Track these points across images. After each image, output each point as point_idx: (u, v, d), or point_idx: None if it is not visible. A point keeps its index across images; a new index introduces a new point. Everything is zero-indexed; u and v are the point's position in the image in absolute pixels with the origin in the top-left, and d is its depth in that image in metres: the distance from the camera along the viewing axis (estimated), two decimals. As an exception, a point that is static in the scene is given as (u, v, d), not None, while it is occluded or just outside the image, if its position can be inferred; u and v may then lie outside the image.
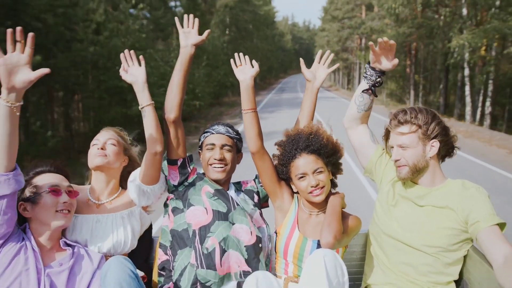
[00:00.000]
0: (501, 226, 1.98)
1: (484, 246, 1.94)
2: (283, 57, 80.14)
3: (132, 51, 2.28)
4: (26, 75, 1.77)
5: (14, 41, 1.77)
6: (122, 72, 2.25)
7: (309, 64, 2.64)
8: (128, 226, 2.27)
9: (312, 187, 2.21)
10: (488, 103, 16.41)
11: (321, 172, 2.23)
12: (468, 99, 17.45)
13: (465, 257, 2.17)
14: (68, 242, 2.13)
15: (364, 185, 8.18)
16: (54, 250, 2.06)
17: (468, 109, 17.57)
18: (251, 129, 2.28)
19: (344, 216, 2.27)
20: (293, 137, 2.32)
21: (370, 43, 2.27)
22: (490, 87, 16.24)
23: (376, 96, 2.42)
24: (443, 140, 2.19)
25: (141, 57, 2.28)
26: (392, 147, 2.24)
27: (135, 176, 2.29)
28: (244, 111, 2.28)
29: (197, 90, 20.86)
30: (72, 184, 2.22)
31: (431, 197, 2.18)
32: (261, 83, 51.21)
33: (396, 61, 2.32)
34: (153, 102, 2.21)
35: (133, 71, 2.25)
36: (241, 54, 2.39)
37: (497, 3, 15.38)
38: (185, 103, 12.31)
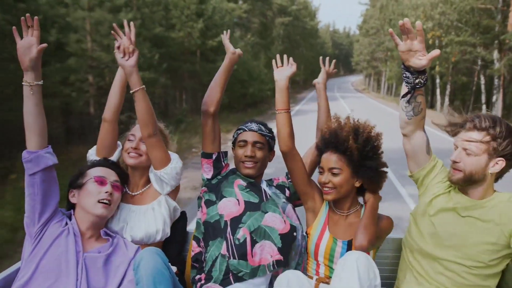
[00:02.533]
0: None
1: None
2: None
3: (124, 24, 2.16)
4: (32, 53, 1.93)
5: (27, 27, 1.95)
6: (117, 54, 2.16)
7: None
8: (159, 216, 2.30)
9: (323, 183, 2.23)
10: (446, 99, 26.93)
11: (336, 173, 2.20)
12: (438, 97, 27.88)
13: (504, 269, 2.10)
14: (108, 232, 2.17)
15: (401, 194, 8.17)
16: (94, 238, 2.12)
17: (438, 103, 28.02)
18: (283, 129, 2.26)
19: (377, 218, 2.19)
20: (326, 132, 2.32)
21: (390, 30, 1.94)
22: (449, 89, 26.79)
23: (422, 95, 2.10)
24: (510, 162, 2.04)
25: (132, 25, 2.17)
26: (456, 147, 2.09)
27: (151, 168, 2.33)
28: (278, 111, 2.26)
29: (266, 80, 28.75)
30: None
31: (476, 210, 2.08)
32: (304, 85, 61.67)
33: (435, 52, 1.91)
34: (143, 86, 2.15)
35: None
36: (285, 56, 2.38)
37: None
38: (258, 88, 23.50)
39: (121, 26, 2.23)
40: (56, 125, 10.45)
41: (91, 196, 2.10)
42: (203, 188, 2.46)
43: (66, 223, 2.09)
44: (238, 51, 2.48)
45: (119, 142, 2.47)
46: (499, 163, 2.03)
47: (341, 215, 2.29)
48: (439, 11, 20.93)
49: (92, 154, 2.40)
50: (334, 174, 2.20)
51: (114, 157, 2.41)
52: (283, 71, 2.32)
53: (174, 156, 2.34)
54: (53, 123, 9.88)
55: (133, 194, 2.37)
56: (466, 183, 2.07)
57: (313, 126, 2.68)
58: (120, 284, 2.03)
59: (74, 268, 1.96)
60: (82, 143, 10.50)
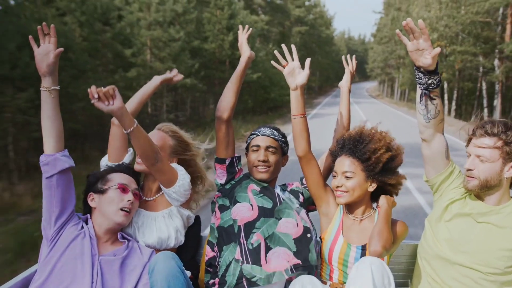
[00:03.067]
0: None
1: None
2: (338, 69, 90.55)
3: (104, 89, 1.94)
4: (50, 59, 2.00)
5: (44, 35, 2.04)
6: (99, 105, 1.96)
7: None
8: (170, 224, 2.32)
9: (336, 187, 2.24)
10: (454, 103, 29.06)
11: (349, 177, 2.21)
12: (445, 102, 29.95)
13: None
14: (124, 235, 2.20)
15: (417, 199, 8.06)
16: (110, 242, 2.14)
17: (446, 107, 30.07)
18: (299, 134, 2.26)
19: (391, 223, 2.19)
20: (346, 137, 2.33)
21: (397, 31, 1.96)
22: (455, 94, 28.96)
23: (438, 97, 2.09)
24: None
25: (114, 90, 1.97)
26: (469, 155, 2.09)
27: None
28: (293, 116, 2.25)
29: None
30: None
31: (493, 215, 2.08)
32: (320, 91, 63.84)
33: (436, 50, 1.91)
34: (136, 122, 2.05)
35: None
36: (293, 46, 2.27)
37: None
38: (278, 93, 26.08)
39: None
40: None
41: (113, 204, 2.12)
42: (217, 193, 2.46)
43: (82, 227, 2.10)
44: (252, 54, 2.46)
45: (130, 148, 2.50)
46: None
47: (355, 220, 2.28)
48: (443, 23, 23.15)
49: (104, 160, 2.45)
50: (347, 178, 2.21)
51: (125, 160, 2.45)
52: (295, 73, 2.24)
53: (180, 172, 2.31)
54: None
55: (147, 199, 2.39)
56: (482, 189, 2.05)
57: (329, 129, 2.61)
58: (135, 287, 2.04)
59: (89, 270, 1.97)
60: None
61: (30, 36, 2.07)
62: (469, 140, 2.14)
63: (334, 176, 2.28)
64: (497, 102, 22.89)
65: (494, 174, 2.03)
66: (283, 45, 2.33)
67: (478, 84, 25.50)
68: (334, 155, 2.35)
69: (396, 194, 2.36)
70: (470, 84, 27.05)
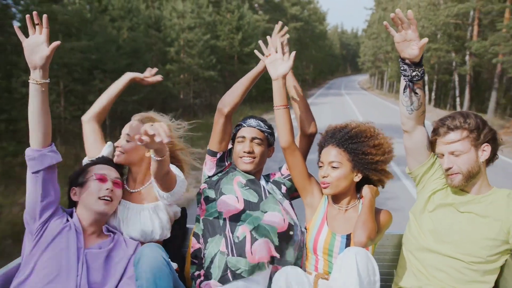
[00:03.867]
0: None
1: None
2: (331, 62, 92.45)
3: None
4: (44, 51, 1.91)
5: (34, 25, 1.94)
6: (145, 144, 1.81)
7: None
8: (155, 218, 2.29)
9: (322, 177, 2.23)
10: (433, 94, 32.88)
11: (336, 167, 2.20)
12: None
13: (502, 265, 2.10)
14: (110, 228, 2.19)
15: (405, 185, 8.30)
16: (96, 235, 2.13)
17: (427, 97, 33.86)
18: (282, 125, 2.24)
19: (375, 212, 2.19)
20: (337, 128, 2.31)
21: (385, 22, 2.05)
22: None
23: (421, 89, 2.14)
24: (493, 145, 2.11)
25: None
26: (442, 155, 2.13)
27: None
28: (276, 107, 2.24)
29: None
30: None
31: (475, 204, 2.11)
32: (313, 83, 67.11)
33: (423, 41, 1.96)
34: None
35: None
36: (270, 39, 2.31)
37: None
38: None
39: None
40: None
41: (92, 194, 2.11)
42: (203, 184, 2.44)
43: (67, 220, 2.09)
44: (287, 66, 2.26)
45: (110, 143, 2.52)
46: (486, 149, 2.08)
47: (340, 209, 2.27)
48: (421, 24, 26.83)
49: (85, 160, 2.44)
50: (334, 168, 2.20)
51: (104, 153, 2.43)
52: (277, 64, 2.24)
53: (179, 179, 2.25)
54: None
55: (131, 191, 2.36)
56: (468, 181, 2.09)
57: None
58: (120, 280, 2.04)
59: (75, 264, 1.96)
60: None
61: (15, 26, 1.95)
62: (434, 142, 2.18)
63: (320, 166, 2.27)
64: (467, 92, 26.69)
65: (473, 163, 2.07)
66: (268, 37, 2.33)
67: (452, 77, 29.31)
68: (320, 145, 2.33)
69: (382, 186, 2.35)
70: (447, 76, 30.82)
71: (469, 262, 2.08)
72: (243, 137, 2.40)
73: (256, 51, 2.38)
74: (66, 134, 11.95)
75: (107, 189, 2.15)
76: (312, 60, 60.41)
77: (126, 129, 2.36)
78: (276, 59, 2.27)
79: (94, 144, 2.46)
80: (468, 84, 26.35)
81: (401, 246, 2.38)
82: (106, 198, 2.13)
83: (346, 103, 31.77)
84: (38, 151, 1.98)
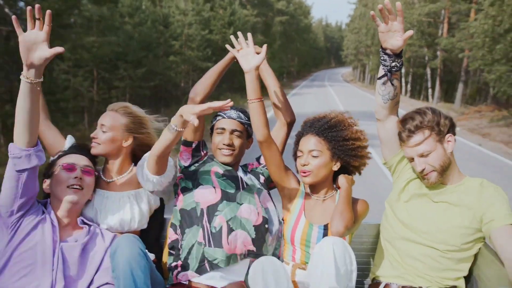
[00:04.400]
0: None
1: (497, 244, 1.91)
2: (315, 55, 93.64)
3: None
4: (43, 52, 1.79)
5: (34, 19, 1.79)
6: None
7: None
8: (135, 206, 2.29)
9: (302, 165, 2.24)
10: (409, 86, 35.57)
11: (315, 156, 2.22)
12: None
13: (476, 254, 2.14)
14: (85, 220, 2.17)
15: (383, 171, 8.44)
16: (71, 227, 2.11)
17: (403, 89, 36.54)
18: (257, 118, 2.20)
19: (352, 202, 2.23)
20: (316, 118, 2.35)
21: (372, 12, 2.06)
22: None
23: (398, 80, 2.19)
24: (454, 132, 2.16)
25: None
26: (412, 159, 2.16)
27: (143, 163, 2.28)
28: (250, 101, 2.20)
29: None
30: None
31: (448, 194, 2.16)
32: (298, 75, 69.31)
33: (408, 33, 2.01)
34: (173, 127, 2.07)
35: None
36: (249, 34, 2.28)
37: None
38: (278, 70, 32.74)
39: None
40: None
41: (60, 183, 2.09)
42: (179, 174, 2.42)
43: (43, 212, 2.08)
44: (260, 58, 2.24)
45: (70, 136, 2.48)
46: (450, 139, 2.14)
47: (318, 199, 2.31)
48: (397, 21, 29.36)
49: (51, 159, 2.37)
50: (314, 157, 2.22)
51: (66, 147, 2.38)
52: (249, 58, 2.23)
53: (169, 167, 2.30)
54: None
55: (108, 180, 2.34)
56: (442, 176, 2.13)
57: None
58: (96, 273, 2.03)
59: (50, 257, 1.94)
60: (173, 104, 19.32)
61: (13, 16, 1.81)
62: (402, 144, 2.21)
63: (299, 156, 2.27)
64: (437, 84, 29.38)
65: (443, 157, 2.11)
66: (239, 33, 2.32)
67: (425, 70, 31.98)
68: (298, 135, 2.35)
69: (359, 173, 2.39)
70: (421, 69, 33.47)
71: (444, 251, 2.09)
72: (223, 128, 2.37)
73: (227, 46, 2.34)
74: (96, 114, 14.21)
75: (76, 177, 2.11)
76: (297, 53, 62.28)
77: (102, 120, 2.34)
78: (248, 53, 2.25)
79: (54, 144, 2.49)
80: (439, 77, 29.01)
81: (378, 236, 2.41)
82: (75, 186, 2.10)
83: (329, 94, 34.05)
84: (25, 150, 1.90)
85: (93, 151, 2.33)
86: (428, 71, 31.10)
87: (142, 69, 15.57)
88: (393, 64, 2.11)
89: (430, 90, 30.83)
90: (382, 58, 2.13)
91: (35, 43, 1.80)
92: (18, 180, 1.95)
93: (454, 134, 2.18)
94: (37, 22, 1.81)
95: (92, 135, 2.34)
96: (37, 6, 1.77)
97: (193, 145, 2.40)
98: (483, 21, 17.58)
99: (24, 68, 1.82)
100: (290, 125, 2.53)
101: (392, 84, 2.18)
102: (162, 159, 2.19)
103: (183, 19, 20.95)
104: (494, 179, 2.16)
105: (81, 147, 2.33)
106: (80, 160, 2.21)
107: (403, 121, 2.19)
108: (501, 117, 18.23)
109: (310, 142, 2.27)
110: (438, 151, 2.12)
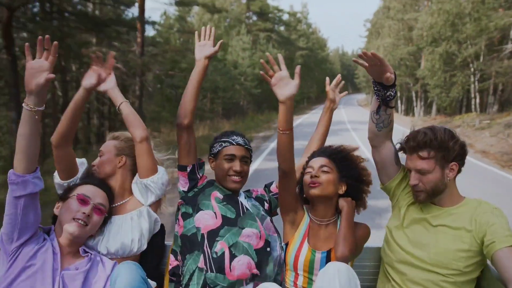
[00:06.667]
0: None
1: (499, 266, 1.86)
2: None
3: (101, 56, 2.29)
4: (40, 80, 1.85)
5: (43, 49, 1.89)
6: (88, 82, 2.22)
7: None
8: (136, 226, 2.29)
9: (311, 178, 2.24)
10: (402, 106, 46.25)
11: (326, 171, 2.25)
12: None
13: (479, 276, 2.12)
14: (86, 249, 2.14)
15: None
16: (72, 255, 2.08)
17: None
18: (286, 149, 2.19)
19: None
20: (329, 146, 2.43)
21: (353, 59, 2.13)
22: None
23: (392, 109, 2.21)
24: (462, 161, 2.12)
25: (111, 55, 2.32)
26: (410, 170, 2.15)
27: (136, 177, 2.35)
28: (282, 131, 2.15)
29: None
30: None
31: (446, 217, 2.13)
32: (316, 100, 78.00)
33: (388, 74, 2.02)
34: (126, 100, 2.31)
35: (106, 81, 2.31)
36: (279, 55, 2.18)
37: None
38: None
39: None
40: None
41: (69, 212, 2.07)
42: (180, 200, 2.42)
43: (44, 239, 2.05)
44: (210, 51, 2.37)
45: (84, 160, 2.52)
46: (454, 168, 2.10)
47: (321, 224, 2.31)
48: (387, 58, 39.52)
49: (56, 177, 2.37)
50: (324, 172, 2.25)
51: (79, 174, 2.40)
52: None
53: (161, 169, 2.37)
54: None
55: (111, 206, 2.32)
56: (432, 198, 2.13)
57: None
58: None
59: (50, 286, 1.92)
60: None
61: (26, 44, 1.89)
62: (403, 151, 2.22)
63: (309, 171, 2.29)
64: (418, 103, 40.17)
65: (438, 182, 2.08)
66: (267, 54, 2.20)
67: (410, 93, 42.91)
68: (309, 158, 2.40)
69: (364, 208, 2.40)
70: (408, 93, 44.35)
71: (446, 275, 2.06)
72: (233, 155, 2.35)
73: (261, 73, 2.16)
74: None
75: (84, 213, 2.07)
76: (316, 81, 70.96)
77: (103, 148, 2.44)
78: (282, 77, 2.11)
79: (67, 171, 2.38)
80: (419, 98, 39.88)
81: (380, 260, 2.39)
82: (80, 221, 2.06)
83: (339, 115, 42.57)
84: (21, 176, 1.90)
85: (96, 175, 2.38)
86: (413, 93, 41.94)
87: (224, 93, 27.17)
88: (387, 93, 2.11)
89: (415, 108, 41.66)
90: (376, 88, 2.13)
91: (38, 71, 1.86)
92: (16, 207, 1.92)
93: (460, 163, 2.12)
94: (45, 52, 1.89)
95: (92, 163, 2.43)
96: (47, 37, 1.88)
97: (188, 169, 2.37)
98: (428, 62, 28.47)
99: (27, 95, 1.88)
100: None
101: (386, 112, 2.18)
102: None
103: (242, 62, 33.31)
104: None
105: (103, 183, 2.30)
106: (97, 196, 2.16)
107: (415, 133, 2.15)
108: (444, 121, 28.79)
109: (321, 161, 2.30)
110: (435, 174, 2.08)
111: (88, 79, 2.24)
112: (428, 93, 34.84)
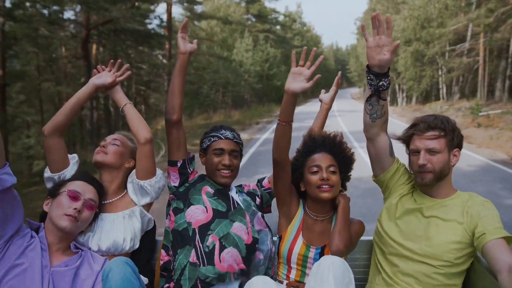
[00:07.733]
0: (508, 240, 1.93)
1: (489, 257, 1.88)
2: (326, 77, 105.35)
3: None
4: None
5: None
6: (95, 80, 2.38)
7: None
8: (129, 225, 2.27)
9: (322, 180, 2.21)
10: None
11: (334, 172, 2.24)
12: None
13: (469, 268, 2.13)
14: (77, 245, 2.12)
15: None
16: (61, 251, 2.05)
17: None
18: (282, 140, 2.20)
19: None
20: (319, 136, 2.39)
21: (363, 25, 2.07)
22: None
23: (385, 100, 2.18)
24: (460, 150, 2.18)
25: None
26: (417, 152, 2.15)
27: (132, 175, 2.35)
28: (281, 121, 2.16)
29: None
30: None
31: (439, 209, 2.16)
32: (311, 94, 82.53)
33: (396, 42, 2.02)
34: (130, 101, 2.36)
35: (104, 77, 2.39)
36: (321, 57, 2.20)
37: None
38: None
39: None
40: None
41: (60, 208, 2.05)
42: (171, 195, 2.41)
43: (32, 236, 2.01)
44: (191, 46, 2.36)
45: (75, 155, 2.47)
46: (457, 154, 2.16)
47: (317, 219, 2.30)
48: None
49: (47, 171, 2.36)
50: (333, 172, 2.24)
51: (71, 168, 2.37)
52: (297, 82, 2.11)
53: (159, 172, 2.37)
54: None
55: (103, 202, 2.30)
56: (436, 182, 2.13)
57: (316, 108, 2.78)
58: None
59: (39, 284, 1.89)
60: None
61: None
62: (408, 139, 2.20)
63: (316, 171, 2.25)
64: (400, 95, 45.70)
65: (445, 164, 2.11)
66: (304, 48, 2.20)
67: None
68: (309, 150, 2.35)
69: (345, 189, 2.43)
70: (392, 85, 49.59)
71: (437, 266, 2.08)
72: (222, 149, 2.35)
73: (293, 54, 2.17)
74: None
75: (75, 208, 2.05)
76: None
77: (114, 136, 2.45)
78: (301, 73, 2.11)
79: (58, 162, 2.36)
80: (400, 89, 45.58)
81: (371, 252, 2.40)
82: (71, 217, 2.04)
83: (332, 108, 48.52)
84: None
85: (98, 158, 2.35)
86: (397, 86, 47.51)
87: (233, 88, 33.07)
88: (380, 83, 2.11)
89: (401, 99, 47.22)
90: (368, 77, 2.13)
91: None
92: None
93: (460, 152, 2.19)
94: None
95: (102, 143, 2.40)
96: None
97: (179, 164, 2.37)
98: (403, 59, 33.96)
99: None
100: None
101: (380, 103, 2.18)
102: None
103: (245, 61, 39.34)
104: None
105: (93, 179, 2.28)
106: (87, 192, 2.15)
107: (426, 117, 2.18)
108: (417, 109, 34.24)
109: (328, 158, 2.28)
110: (444, 155, 2.12)
111: (103, 78, 2.38)
112: (404, 85, 40.11)
